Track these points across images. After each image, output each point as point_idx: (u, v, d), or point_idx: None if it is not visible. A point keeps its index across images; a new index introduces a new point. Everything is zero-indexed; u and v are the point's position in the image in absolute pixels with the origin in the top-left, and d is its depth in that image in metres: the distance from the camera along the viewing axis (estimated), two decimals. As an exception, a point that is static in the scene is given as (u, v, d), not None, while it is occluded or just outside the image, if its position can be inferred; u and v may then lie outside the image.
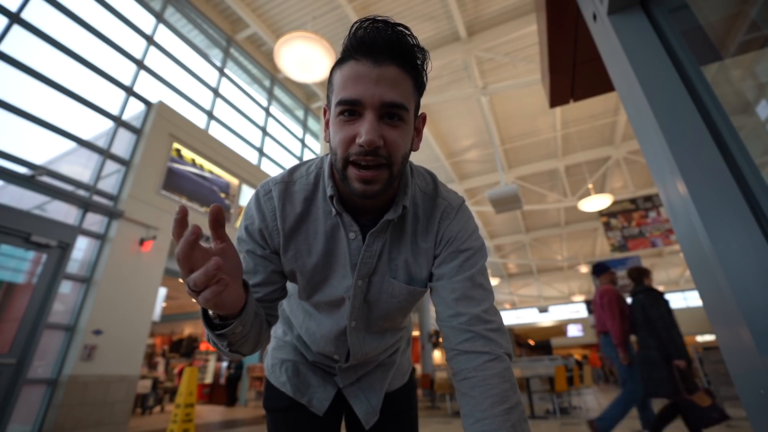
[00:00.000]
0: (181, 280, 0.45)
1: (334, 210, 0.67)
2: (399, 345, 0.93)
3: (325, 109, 0.67)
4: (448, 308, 0.66)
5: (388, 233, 0.70)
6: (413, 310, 0.86)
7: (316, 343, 0.82)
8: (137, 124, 5.43)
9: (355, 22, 0.58)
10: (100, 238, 4.77)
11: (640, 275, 3.28)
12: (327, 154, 0.73)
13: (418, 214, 0.72)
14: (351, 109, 0.57)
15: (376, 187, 0.59)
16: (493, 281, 15.48)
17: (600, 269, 3.79)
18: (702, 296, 0.75)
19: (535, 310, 16.74)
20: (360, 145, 0.56)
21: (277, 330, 0.95)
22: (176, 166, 5.79)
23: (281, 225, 0.69)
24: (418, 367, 13.00)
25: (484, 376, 0.59)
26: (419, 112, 0.67)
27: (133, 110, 5.53)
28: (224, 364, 10.64)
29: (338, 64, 0.61)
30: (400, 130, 0.59)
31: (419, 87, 0.62)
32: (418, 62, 0.60)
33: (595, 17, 1.10)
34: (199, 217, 5.97)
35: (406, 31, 0.58)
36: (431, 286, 0.72)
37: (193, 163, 6.13)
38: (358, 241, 0.69)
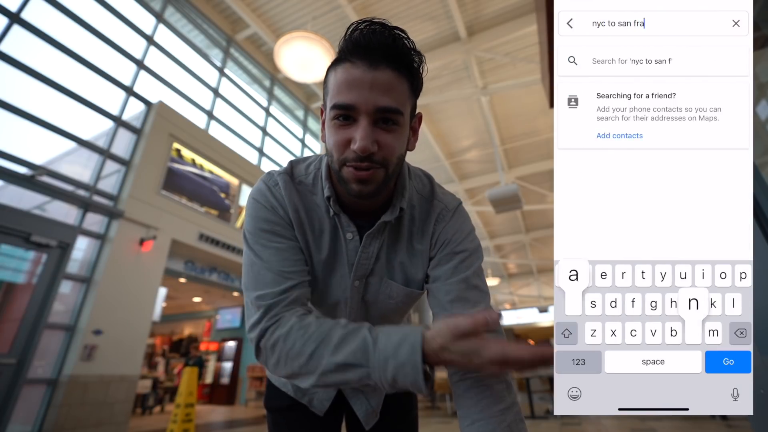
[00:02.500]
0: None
1: (331, 210, 0.68)
2: None
3: (321, 108, 0.67)
4: (443, 310, 0.66)
5: (385, 235, 0.70)
6: (413, 310, 0.86)
7: None
8: (137, 124, 5.43)
9: (352, 24, 0.58)
10: (100, 238, 4.77)
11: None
12: (325, 155, 0.72)
13: (414, 215, 0.72)
14: (345, 114, 0.57)
15: (371, 187, 0.60)
16: (493, 281, 15.48)
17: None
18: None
19: (535, 310, 16.74)
20: (354, 151, 0.57)
21: None
22: (176, 166, 5.79)
23: (292, 213, 0.68)
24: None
25: (478, 377, 0.59)
26: (416, 112, 0.67)
27: (133, 110, 5.53)
28: (225, 364, 10.65)
29: (333, 65, 0.61)
30: (395, 134, 0.59)
31: (415, 89, 0.63)
32: (414, 65, 0.60)
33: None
34: (200, 216, 5.97)
35: (402, 35, 0.59)
36: (427, 288, 0.72)
37: (193, 163, 6.13)
38: (355, 242, 0.69)
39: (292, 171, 0.72)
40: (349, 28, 0.58)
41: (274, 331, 0.58)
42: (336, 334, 0.55)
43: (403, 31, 0.59)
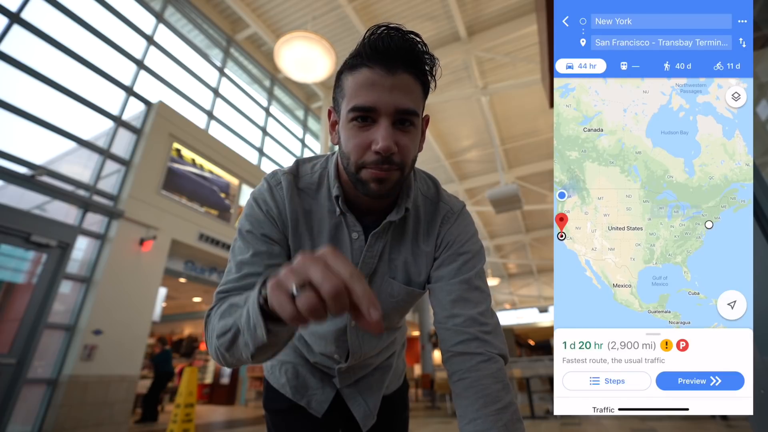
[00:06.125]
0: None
1: (338, 210, 0.68)
2: (395, 348, 0.94)
3: (330, 110, 0.67)
4: (444, 310, 0.67)
5: (389, 234, 0.71)
6: (413, 310, 0.86)
7: (317, 342, 0.83)
8: (137, 124, 5.43)
9: (369, 29, 0.59)
10: (100, 238, 4.77)
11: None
12: (332, 154, 0.74)
13: (419, 216, 0.74)
14: (364, 116, 0.58)
15: (388, 186, 0.61)
16: (494, 281, 15.49)
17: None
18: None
19: (535, 310, 16.73)
20: (376, 152, 0.57)
21: None
22: (176, 166, 5.79)
23: (290, 215, 0.69)
24: (418, 367, 12.99)
25: (476, 377, 0.60)
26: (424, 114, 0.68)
27: (133, 110, 5.53)
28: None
29: (349, 69, 0.61)
30: (411, 135, 0.61)
31: (426, 92, 0.64)
32: (427, 68, 0.62)
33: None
34: (200, 216, 5.97)
35: (418, 39, 0.60)
36: (429, 288, 0.73)
37: (193, 163, 6.13)
38: (360, 242, 0.70)
39: (297, 170, 0.72)
40: (366, 33, 0.59)
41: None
42: (231, 303, 0.56)
43: (417, 35, 0.60)
